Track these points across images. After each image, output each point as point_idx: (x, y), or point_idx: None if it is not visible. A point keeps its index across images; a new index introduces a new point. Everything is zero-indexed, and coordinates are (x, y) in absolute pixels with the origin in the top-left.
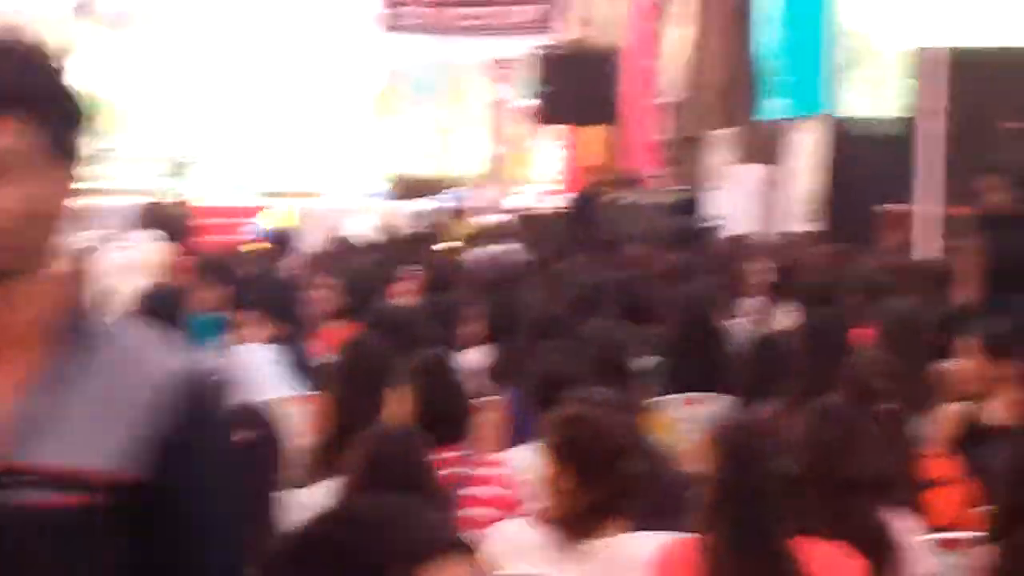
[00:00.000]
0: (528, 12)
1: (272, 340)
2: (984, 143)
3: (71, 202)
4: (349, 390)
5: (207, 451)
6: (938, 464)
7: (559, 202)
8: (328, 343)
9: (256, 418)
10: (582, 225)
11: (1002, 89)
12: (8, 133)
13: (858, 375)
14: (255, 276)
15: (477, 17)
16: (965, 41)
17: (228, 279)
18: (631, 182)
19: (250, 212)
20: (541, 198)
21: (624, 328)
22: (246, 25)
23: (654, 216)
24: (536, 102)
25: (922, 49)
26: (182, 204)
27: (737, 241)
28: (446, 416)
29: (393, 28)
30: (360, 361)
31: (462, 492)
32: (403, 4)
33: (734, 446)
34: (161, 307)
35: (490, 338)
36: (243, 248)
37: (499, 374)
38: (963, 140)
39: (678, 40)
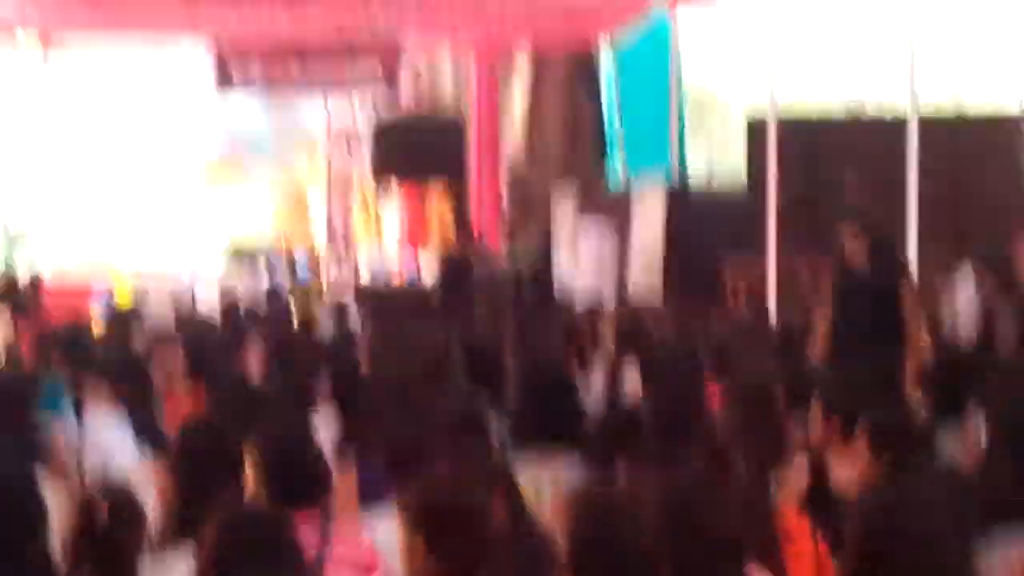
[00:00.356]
0: (367, 68)
1: (119, 410)
2: (816, 204)
3: None
4: (196, 460)
5: None
6: (791, 524)
7: (404, 266)
8: (176, 412)
9: (113, 488)
10: (453, 289)
11: (831, 151)
12: None
13: (711, 436)
14: (102, 347)
15: (314, 72)
16: (797, 103)
17: (75, 351)
18: (477, 245)
19: (95, 284)
20: (385, 262)
21: (475, 392)
22: (82, 93)
23: (500, 278)
24: (376, 163)
25: (754, 111)
26: (26, 277)
27: (584, 303)
28: (300, 483)
29: (225, 84)
30: (206, 430)
31: (320, 559)
32: (237, 61)
33: (591, 509)
34: (10, 380)
35: (339, 405)
36: (89, 320)
37: (348, 441)
38: (797, 201)
39: (519, 102)
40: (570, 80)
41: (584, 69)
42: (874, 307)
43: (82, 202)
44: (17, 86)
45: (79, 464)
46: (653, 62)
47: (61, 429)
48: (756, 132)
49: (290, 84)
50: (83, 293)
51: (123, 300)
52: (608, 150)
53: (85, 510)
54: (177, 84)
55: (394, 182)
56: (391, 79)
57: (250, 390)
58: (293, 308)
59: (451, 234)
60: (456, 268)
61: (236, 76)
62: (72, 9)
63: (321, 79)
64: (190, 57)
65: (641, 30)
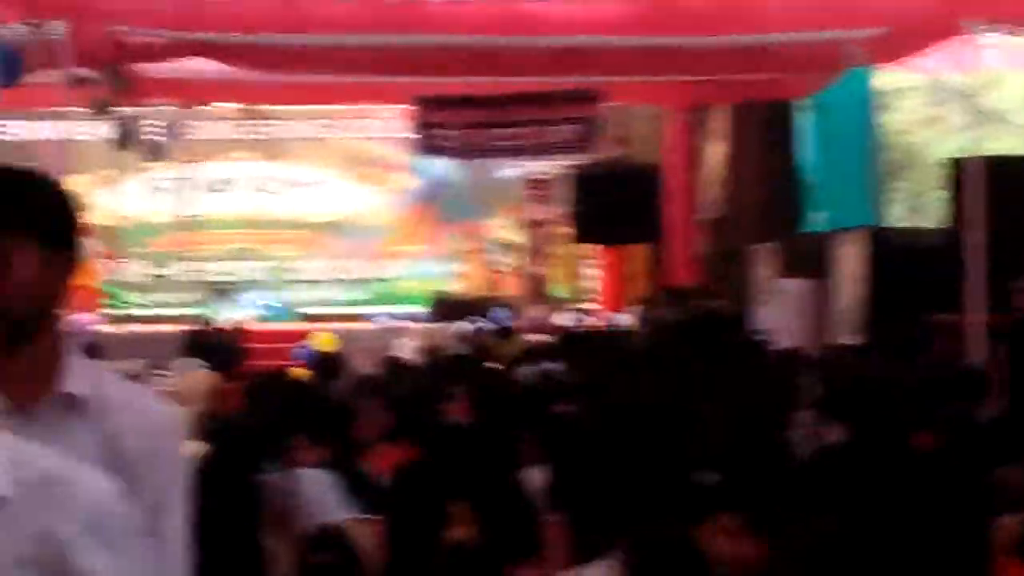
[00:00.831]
0: (564, 132)
1: (324, 464)
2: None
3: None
4: (406, 512)
5: None
6: (1010, 571)
7: (602, 319)
8: (381, 465)
9: (334, 540)
10: (655, 338)
11: None
12: None
13: (919, 484)
14: (304, 400)
15: (512, 138)
16: (1001, 149)
17: (276, 404)
18: (678, 297)
19: (295, 336)
20: (583, 316)
21: (682, 444)
22: (279, 154)
23: (700, 331)
24: (573, 221)
25: (959, 159)
26: (227, 330)
27: (787, 355)
28: (514, 534)
29: (425, 151)
30: (415, 482)
31: None
32: (436, 127)
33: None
34: (226, 434)
35: (544, 456)
36: (291, 372)
37: (557, 493)
38: (1002, 248)
39: (716, 155)
40: (766, 135)
41: (781, 120)
42: None
43: (288, 255)
44: (220, 149)
45: (292, 518)
46: (852, 112)
47: (273, 482)
48: (960, 173)
49: (489, 152)
50: (289, 346)
51: (327, 352)
52: (806, 201)
53: (305, 562)
54: (378, 142)
55: (591, 240)
56: (589, 143)
57: (457, 440)
58: (495, 359)
59: (650, 286)
60: (655, 317)
61: (435, 144)
62: (277, 85)
63: (519, 146)
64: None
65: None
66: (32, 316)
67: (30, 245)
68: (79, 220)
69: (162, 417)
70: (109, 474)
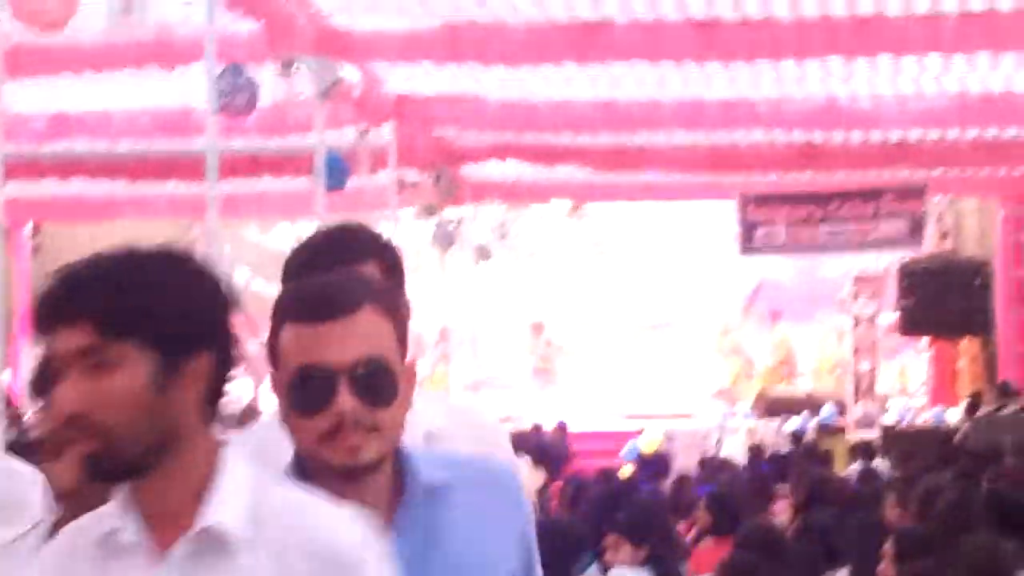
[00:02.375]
0: (893, 226)
1: (642, 562)
2: None
3: None
4: None
5: None
6: None
7: (930, 416)
8: (700, 564)
9: None
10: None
11: None
12: None
13: None
14: (624, 498)
15: (839, 234)
16: None
17: (600, 501)
18: (1009, 394)
19: (622, 435)
20: (910, 413)
21: (1001, 542)
22: (606, 253)
23: None
24: (900, 315)
25: None
26: (554, 429)
27: None
28: None
29: (750, 250)
30: None
31: None
32: (761, 224)
33: None
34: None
35: (858, 553)
36: (617, 471)
37: None
38: None
39: None
40: None
41: None
42: None
43: (612, 355)
44: (547, 248)
45: None
46: None
47: None
48: None
49: (815, 248)
50: (611, 441)
51: (653, 451)
52: None
53: None
54: (702, 244)
55: (918, 333)
56: (917, 237)
57: (774, 539)
58: (821, 457)
59: (980, 384)
60: (986, 415)
61: (761, 242)
62: (604, 184)
63: (846, 241)
64: (714, 214)
65: None
66: (146, 438)
67: (140, 353)
68: (229, 314)
69: (343, 544)
70: None
